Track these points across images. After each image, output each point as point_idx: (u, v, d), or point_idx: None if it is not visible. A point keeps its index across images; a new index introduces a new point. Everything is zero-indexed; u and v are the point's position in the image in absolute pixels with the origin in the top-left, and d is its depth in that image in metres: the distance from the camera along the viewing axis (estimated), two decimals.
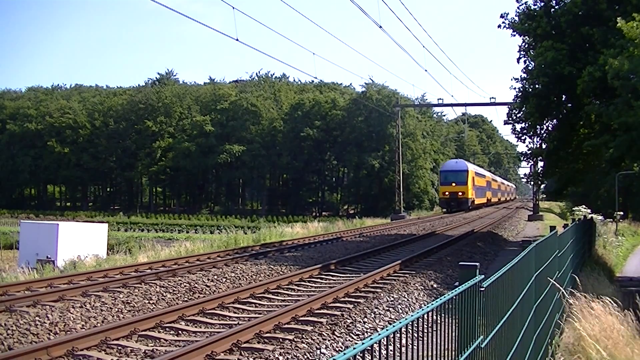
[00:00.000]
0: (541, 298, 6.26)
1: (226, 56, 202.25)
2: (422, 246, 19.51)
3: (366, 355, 2.14)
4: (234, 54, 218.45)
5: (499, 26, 21.64)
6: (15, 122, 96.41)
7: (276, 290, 11.61)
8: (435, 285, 12.20)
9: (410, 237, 23.71)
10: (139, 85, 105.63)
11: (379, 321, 9.05)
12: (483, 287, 3.53)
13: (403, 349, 2.43)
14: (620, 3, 17.67)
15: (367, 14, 20.64)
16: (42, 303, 9.85)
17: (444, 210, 53.11)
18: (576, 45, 19.16)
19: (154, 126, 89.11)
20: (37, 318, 8.57)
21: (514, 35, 21.67)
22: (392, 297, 10.60)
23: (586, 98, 18.61)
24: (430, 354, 2.89)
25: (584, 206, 38.44)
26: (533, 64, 21.24)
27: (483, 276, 3.58)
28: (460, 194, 50.21)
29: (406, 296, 10.83)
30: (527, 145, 28.88)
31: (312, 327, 8.42)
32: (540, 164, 29.43)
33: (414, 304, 10.46)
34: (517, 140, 38.37)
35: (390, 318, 9.35)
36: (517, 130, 24.34)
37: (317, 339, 7.74)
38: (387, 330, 2.32)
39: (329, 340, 7.76)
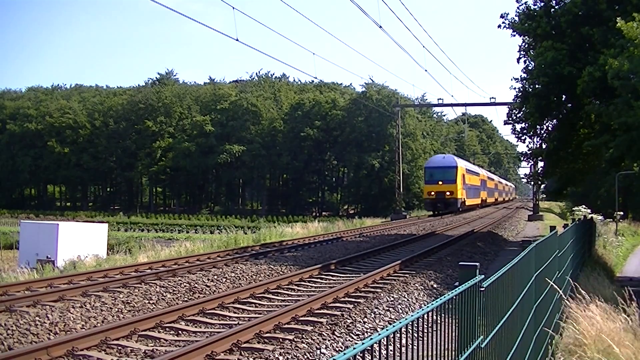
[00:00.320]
0: (541, 298, 6.26)
1: (226, 56, 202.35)
2: (422, 246, 19.51)
3: (366, 355, 2.14)
4: (234, 54, 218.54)
5: (499, 26, 21.65)
6: (15, 122, 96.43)
7: (276, 290, 11.61)
8: (435, 285, 12.20)
9: (410, 237, 23.71)
10: (139, 85, 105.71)
11: (379, 321, 9.05)
12: (483, 287, 3.53)
13: (403, 349, 2.43)
14: (620, 3, 17.67)
15: (367, 14, 20.65)
16: (42, 303, 9.85)
17: (430, 213, 46.32)
18: (576, 45, 19.16)
19: (154, 126, 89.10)
20: (37, 318, 8.56)
21: (514, 35, 21.68)
22: (392, 297, 10.60)
23: (586, 98, 18.62)
24: (430, 354, 2.89)
25: (584, 206, 38.46)
26: (533, 64, 21.24)
27: (483, 276, 3.58)
28: (448, 194, 43.60)
29: (406, 296, 10.83)
30: (527, 146, 28.90)
31: (312, 327, 8.42)
32: (540, 164, 29.43)
33: (414, 304, 10.45)
34: (517, 140, 39.16)
35: (390, 318, 9.35)
36: (517, 130, 24.35)
37: (317, 339, 7.74)
38: (387, 330, 2.32)
39: (329, 340, 7.76)
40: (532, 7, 21.09)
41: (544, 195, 61.37)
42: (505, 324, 4.09)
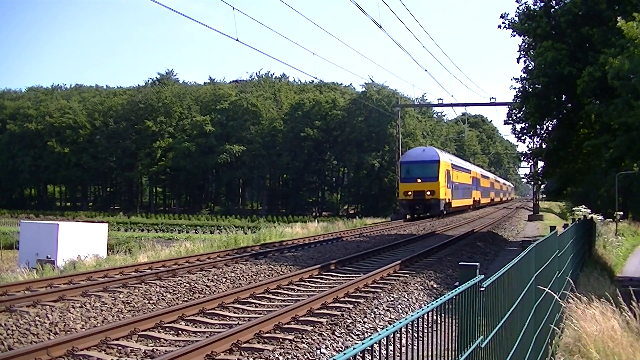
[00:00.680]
0: (541, 298, 6.26)
1: (226, 56, 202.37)
2: (422, 246, 19.51)
3: (366, 355, 2.14)
4: (234, 54, 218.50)
5: (499, 26, 21.65)
6: (15, 122, 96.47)
7: (276, 290, 11.61)
8: (435, 285, 12.20)
9: (410, 237, 23.71)
10: (139, 85, 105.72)
11: (379, 321, 9.05)
12: (483, 287, 3.53)
13: (403, 349, 2.43)
14: (620, 3, 17.66)
15: (367, 14, 20.65)
16: (42, 303, 9.85)
17: (407, 216, 38.90)
18: (576, 45, 19.16)
19: (154, 126, 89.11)
20: (37, 318, 8.56)
21: (514, 36, 21.68)
22: (392, 297, 10.60)
23: (586, 98, 18.61)
24: (430, 354, 2.89)
25: (584, 206, 38.45)
26: (533, 64, 21.23)
27: (483, 276, 3.58)
28: (428, 193, 36.81)
29: (406, 296, 10.83)
30: (527, 146, 28.94)
31: (312, 327, 8.42)
32: (540, 164, 29.43)
33: (414, 304, 10.45)
34: (517, 140, 38.82)
35: (390, 318, 9.35)
36: (517, 130, 24.34)
37: (317, 339, 7.74)
38: (387, 330, 2.32)
39: (329, 340, 7.76)
40: (532, 7, 21.09)
41: (544, 195, 61.13)
42: (505, 324, 4.09)
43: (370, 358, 2.18)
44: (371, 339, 2.18)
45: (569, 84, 18.71)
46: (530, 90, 21.56)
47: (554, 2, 21.06)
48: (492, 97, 46.32)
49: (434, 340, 2.90)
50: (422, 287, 11.81)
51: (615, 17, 16.34)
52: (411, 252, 17.35)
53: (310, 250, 18.18)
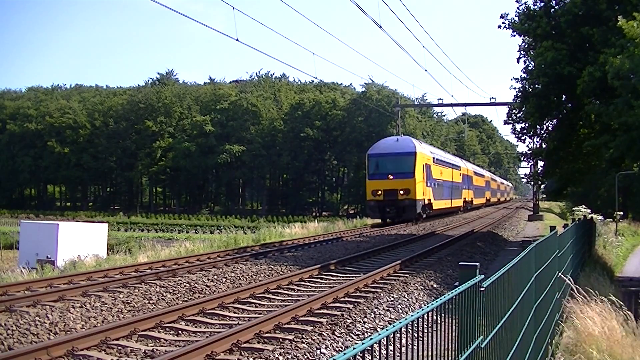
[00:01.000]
0: (541, 298, 6.26)
1: (226, 56, 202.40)
2: (422, 246, 19.51)
3: (366, 355, 2.14)
4: (234, 54, 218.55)
5: (499, 26, 21.66)
6: (15, 122, 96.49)
7: (276, 290, 11.61)
8: (435, 285, 12.20)
9: (410, 237, 23.70)
10: (139, 85, 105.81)
11: (379, 321, 9.05)
12: (483, 287, 3.53)
13: (403, 349, 2.43)
14: (620, 3, 17.67)
15: (367, 14, 20.63)
16: (42, 303, 9.85)
17: (382, 220, 32.56)
18: (576, 46, 19.16)
19: (154, 126, 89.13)
20: (37, 318, 8.56)
21: (514, 36, 21.68)
22: (392, 297, 10.60)
23: (586, 98, 18.62)
24: (430, 354, 2.89)
25: (584, 206, 38.46)
26: (533, 64, 21.24)
27: (483, 276, 3.58)
28: (401, 193, 30.36)
29: (406, 296, 10.83)
30: (527, 146, 28.93)
31: (312, 327, 8.41)
32: (540, 164, 29.45)
33: (414, 304, 10.45)
34: (517, 140, 38.32)
35: (390, 318, 9.34)
36: (517, 130, 24.36)
37: (317, 339, 7.74)
38: (387, 330, 2.32)
39: (329, 340, 7.76)
40: (532, 7, 21.10)
41: (544, 195, 61.06)
42: (505, 324, 4.09)
43: (370, 358, 2.18)
44: (371, 339, 2.18)
45: (569, 84, 18.72)
46: (530, 90, 21.57)
47: (554, 2, 21.07)
48: (492, 97, 46.29)
49: (434, 340, 2.90)
50: (422, 287, 11.81)
51: (615, 17, 16.35)
52: (411, 252, 17.35)
53: (310, 250, 18.18)
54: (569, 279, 8.62)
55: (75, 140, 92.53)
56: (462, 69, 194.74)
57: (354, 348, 2.05)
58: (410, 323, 2.54)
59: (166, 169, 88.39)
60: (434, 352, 2.92)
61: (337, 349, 7.51)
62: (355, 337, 8.04)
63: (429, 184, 33.27)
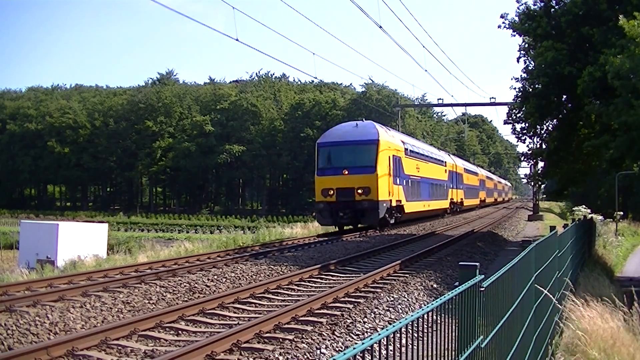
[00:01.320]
0: (541, 298, 6.26)
1: (226, 56, 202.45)
2: (422, 246, 19.50)
3: (366, 355, 2.14)
4: (234, 54, 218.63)
5: (499, 26, 21.67)
6: (15, 122, 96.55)
7: (276, 290, 11.61)
8: (435, 285, 12.20)
9: (410, 237, 23.69)
10: (139, 85, 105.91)
11: (379, 321, 9.05)
12: (483, 287, 3.53)
13: (403, 349, 2.43)
14: (620, 3, 17.67)
15: (367, 14, 20.63)
16: (42, 303, 9.84)
17: (337, 227, 26.13)
18: (576, 46, 19.17)
19: (154, 126, 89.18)
20: (37, 318, 8.56)
21: (514, 36, 21.69)
22: (392, 297, 10.60)
23: (586, 98, 18.63)
24: (430, 354, 2.89)
25: (584, 206, 38.48)
26: (533, 64, 21.26)
27: (483, 276, 3.58)
28: (359, 192, 24.16)
29: (406, 296, 10.82)
30: (527, 146, 28.92)
31: (312, 327, 8.41)
32: (541, 164, 29.45)
33: (414, 304, 10.45)
34: (517, 141, 37.97)
35: (390, 318, 9.34)
36: (517, 130, 24.37)
37: (317, 339, 7.74)
38: (387, 330, 2.32)
39: (329, 340, 7.76)
40: (532, 7, 21.11)
41: (544, 195, 61.02)
42: (505, 324, 4.10)
43: (370, 358, 2.18)
44: (371, 339, 2.18)
45: (569, 84, 18.72)
46: (530, 90, 21.57)
47: (554, 2, 21.07)
48: (492, 97, 46.34)
49: (434, 340, 2.90)
50: (422, 287, 11.81)
51: (615, 17, 16.35)
52: (411, 252, 17.35)
53: (310, 250, 18.18)
54: (569, 279, 8.62)
55: (75, 140, 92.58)
56: (462, 69, 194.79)
57: (354, 348, 2.05)
58: (410, 323, 2.54)
59: (166, 169, 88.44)
60: (434, 352, 2.92)
61: (337, 349, 7.51)
62: (355, 337, 8.04)
63: (398, 182, 26.89)
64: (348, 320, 8.71)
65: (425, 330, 2.75)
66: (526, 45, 22.15)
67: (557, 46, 18.91)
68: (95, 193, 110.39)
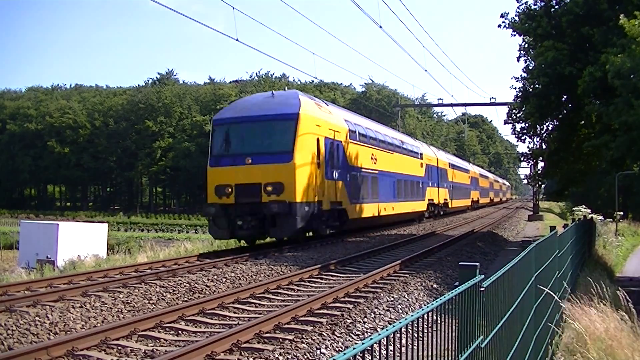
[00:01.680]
0: (541, 298, 6.26)
1: (226, 56, 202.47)
2: (422, 246, 19.50)
3: (366, 355, 2.13)
4: (234, 54, 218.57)
5: (499, 26, 21.68)
6: (15, 122, 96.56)
7: (276, 290, 11.61)
8: (435, 285, 12.20)
9: (410, 237, 23.69)
10: (139, 85, 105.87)
11: (379, 321, 9.05)
12: (483, 287, 3.53)
13: (403, 349, 2.43)
14: (620, 3, 17.68)
15: (367, 14, 20.61)
16: (42, 303, 9.84)
17: (235, 239, 19.28)
18: (577, 46, 19.17)
19: (154, 126, 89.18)
20: (37, 318, 8.56)
21: (514, 35, 21.70)
22: (392, 297, 10.60)
23: (586, 98, 18.63)
24: (430, 354, 2.89)
25: (584, 206, 38.46)
26: (533, 63, 21.26)
27: (483, 276, 3.58)
28: (268, 190, 17.34)
29: (406, 296, 10.82)
30: (527, 146, 28.98)
31: (312, 327, 8.41)
32: (541, 164, 29.46)
33: (414, 304, 10.45)
34: (517, 140, 37.86)
35: (390, 318, 9.34)
36: (517, 130, 24.38)
37: (317, 339, 7.74)
38: (387, 330, 2.32)
39: (329, 340, 7.75)
40: (533, 7, 21.12)
41: (544, 196, 60.88)
42: (505, 324, 4.09)
43: (370, 358, 2.18)
44: (371, 339, 2.18)
45: (569, 84, 18.72)
46: (531, 90, 21.58)
47: (554, 1, 21.08)
48: (492, 97, 46.44)
49: (434, 340, 2.90)
50: (422, 287, 11.81)
51: (616, 17, 16.35)
52: (411, 252, 17.35)
53: (310, 250, 18.17)
54: (569, 279, 8.63)
55: (75, 140, 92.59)
56: (462, 69, 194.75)
57: (354, 348, 2.05)
58: (410, 323, 2.54)
59: (166, 169, 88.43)
60: (434, 352, 2.91)
61: (337, 349, 7.51)
62: (355, 337, 8.04)
63: (337, 176, 19.83)
64: (348, 321, 8.71)
65: (425, 330, 2.75)
66: (526, 45, 22.15)
67: (558, 46, 18.92)
68: (95, 193, 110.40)
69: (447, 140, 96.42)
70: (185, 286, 11.41)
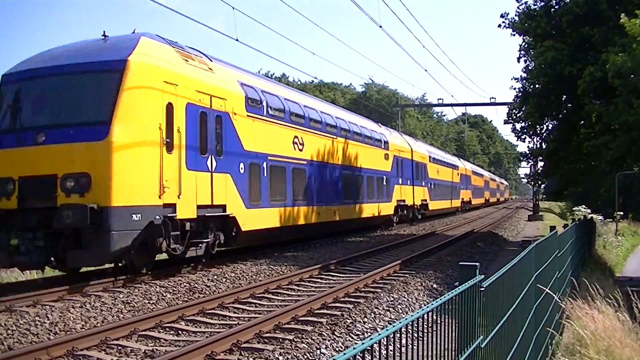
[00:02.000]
0: (541, 298, 6.26)
1: (226, 56, 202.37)
2: (422, 246, 19.51)
3: (366, 355, 2.13)
4: (234, 54, 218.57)
5: (499, 26, 21.71)
6: None
7: (276, 290, 11.61)
8: (435, 285, 12.20)
9: (410, 237, 23.70)
10: None
11: (379, 321, 9.05)
12: (483, 287, 3.53)
13: (403, 349, 2.43)
14: (620, 3, 17.68)
15: (367, 14, 20.60)
16: (42, 303, 9.84)
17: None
18: (576, 46, 19.18)
19: None
20: (37, 318, 8.56)
21: (514, 35, 21.73)
22: (392, 297, 10.60)
23: (587, 98, 18.64)
24: (430, 354, 2.89)
25: (584, 206, 38.52)
26: (533, 64, 21.27)
27: (483, 276, 3.58)
28: (68, 186, 10.62)
29: (406, 296, 10.83)
30: (527, 145, 29.00)
31: (312, 327, 8.41)
32: (541, 163, 29.48)
33: (414, 304, 10.45)
34: (517, 140, 37.85)
35: (390, 318, 9.34)
36: (517, 130, 24.39)
37: (317, 339, 7.74)
38: (387, 330, 2.32)
39: (329, 340, 7.76)
40: (532, 7, 21.14)
41: (544, 195, 60.80)
42: (505, 324, 4.10)
43: (370, 358, 2.18)
44: (371, 339, 2.18)
45: (569, 84, 18.73)
46: (530, 90, 21.60)
47: (554, 1, 21.09)
48: (492, 97, 46.50)
49: (434, 340, 2.90)
50: (422, 287, 11.82)
51: (616, 17, 16.35)
52: (411, 252, 17.36)
53: (310, 250, 18.18)
54: (569, 279, 8.63)
55: None
56: (462, 69, 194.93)
57: (354, 348, 2.05)
58: (410, 323, 2.54)
59: None
60: (434, 352, 2.91)
61: (337, 349, 7.51)
62: (355, 337, 8.04)
63: (211, 165, 13.56)
64: (348, 321, 8.72)
65: (425, 330, 2.75)
66: (526, 45, 22.18)
67: (558, 46, 18.93)
68: None
69: (447, 140, 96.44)
70: (185, 286, 11.41)
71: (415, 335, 2.60)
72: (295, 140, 18.11)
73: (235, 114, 14.59)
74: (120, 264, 12.08)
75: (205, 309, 9.64)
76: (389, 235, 24.93)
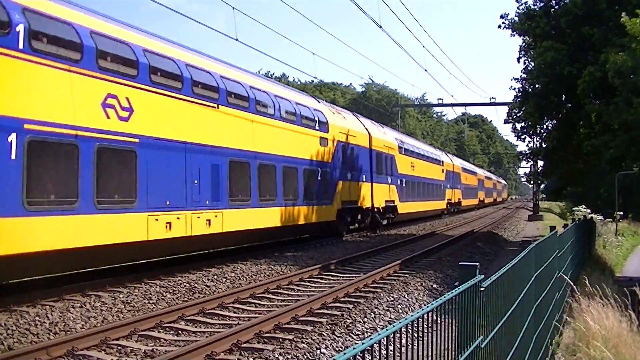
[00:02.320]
0: (541, 298, 6.26)
1: (226, 56, 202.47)
2: (422, 246, 19.51)
3: (366, 355, 2.13)
4: (234, 54, 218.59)
5: (499, 26, 21.73)
6: None
7: (276, 290, 11.61)
8: (435, 285, 12.21)
9: (410, 237, 23.70)
10: None
11: (379, 321, 9.05)
12: (483, 287, 3.53)
13: (403, 349, 2.43)
14: (620, 3, 17.69)
15: (367, 14, 20.59)
16: (42, 303, 9.84)
17: None
18: (576, 46, 19.19)
19: None
20: (37, 318, 8.56)
21: (514, 35, 21.75)
22: (392, 297, 10.61)
23: (586, 98, 18.65)
24: (430, 354, 2.89)
25: (583, 206, 38.49)
26: (533, 64, 21.28)
27: (483, 276, 3.58)
28: None
29: (406, 296, 10.83)
30: (527, 145, 29.00)
31: (312, 327, 8.42)
32: (540, 163, 29.48)
33: (414, 304, 10.46)
34: (517, 140, 37.62)
35: (390, 318, 9.35)
36: (517, 129, 24.40)
37: (317, 339, 7.74)
38: (387, 330, 2.32)
39: (329, 340, 7.76)
40: (532, 7, 21.14)
41: (544, 195, 60.67)
42: (505, 324, 4.10)
43: (370, 358, 2.18)
44: (371, 339, 2.18)
45: (568, 84, 18.74)
46: (530, 90, 21.61)
47: (554, 2, 21.11)
48: (492, 97, 46.48)
49: (434, 340, 2.90)
50: (422, 287, 11.82)
51: (615, 17, 16.36)
52: (411, 252, 17.36)
53: (310, 250, 18.18)
54: (568, 279, 8.63)
55: None
56: (462, 69, 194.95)
57: (354, 348, 2.05)
58: (410, 323, 2.54)
59: None
60: (434, 352, 2.91)
61: (337, 349, 7.51)
62: (355, 337, 8.04)
63: None
64: (348, 320, 8.72)
65: (425, 330, 2.75)
66: (526, 46, 22.20)
67: (557, 46, 18.94)
68: None
69: (447, 140, 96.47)
70: (185, 286, 11.41)
71: (415, 335, 2.60)
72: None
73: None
74: None
75: (205, 308, 9.64)
76: (389, 235, 24.92)
